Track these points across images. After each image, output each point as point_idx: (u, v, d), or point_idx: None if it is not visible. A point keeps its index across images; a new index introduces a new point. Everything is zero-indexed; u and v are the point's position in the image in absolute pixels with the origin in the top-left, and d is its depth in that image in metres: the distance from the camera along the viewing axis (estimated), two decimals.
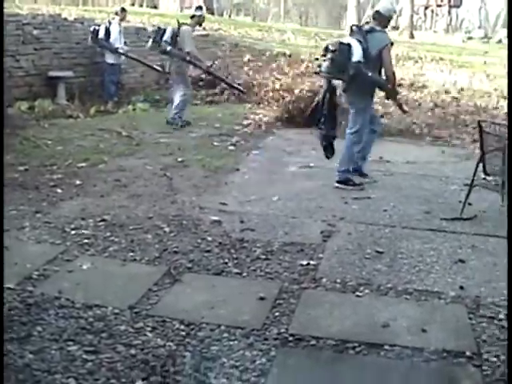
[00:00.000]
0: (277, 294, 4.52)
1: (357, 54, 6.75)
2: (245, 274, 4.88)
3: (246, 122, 10.80)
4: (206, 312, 4.22)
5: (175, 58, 10.30)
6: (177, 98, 10.36)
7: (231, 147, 9.08)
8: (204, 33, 17.01)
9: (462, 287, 4.81)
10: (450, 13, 39.91)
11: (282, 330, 4.03)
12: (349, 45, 6.76)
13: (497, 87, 13.76)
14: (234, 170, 7.87)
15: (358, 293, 4.61)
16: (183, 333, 3.98)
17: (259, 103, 12.38)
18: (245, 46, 17.58)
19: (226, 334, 3.97)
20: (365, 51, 6.81)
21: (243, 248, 5.37)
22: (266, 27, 24.23)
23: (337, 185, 7.17)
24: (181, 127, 10.27)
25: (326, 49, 6.88)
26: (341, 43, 6.85)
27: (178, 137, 9.68)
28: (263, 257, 5.20)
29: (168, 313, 4.20)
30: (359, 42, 6.80)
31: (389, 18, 7.26)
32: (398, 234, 5.85)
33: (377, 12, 7.19)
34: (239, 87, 12.83)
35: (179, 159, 8.21)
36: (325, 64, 6.87)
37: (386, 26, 7.26)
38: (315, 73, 7.50)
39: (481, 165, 6.42)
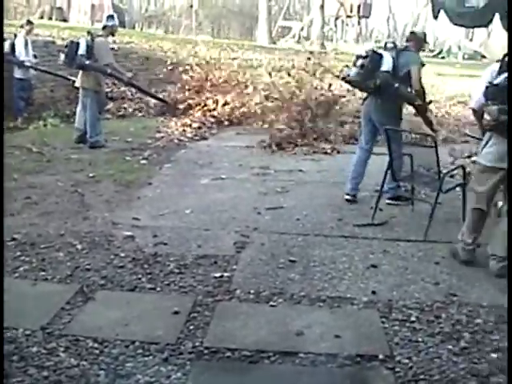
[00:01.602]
0: (191, 308, 4.49)
1: (387, 65, 6.74)
2: (159, 289, 4.83)
3: (158, 136, 10.73)
4: (120, 329, 4.15)
5: (93, 71, 9.92)
6: (90, 115, 10.02)
7: (143, 161, 8.99)
8: (115, 46, 16.82)
9: (374, 292, 4.89)
10: (359, 23, 40.76)
11: (197, 344, 4.01)
12: (381, 55, 6.76)
13: None
14: (147, 184, 7.79)
15: (271, 302, 4.62)
16: (97, 351, 3.91)
17: (173, 116, 12.33)
18: (156, 59, 17.47)
19: (140, 350, 3.92)
20: (395, 67, 6.79)
21: (157, 263, 5.32)
22: (177, 40, 24.16)
23: (389, 201, 7.10)
24: (105, 142, 10.03)
25: (358, 56, 6.86)
26: (373, 51, 6.84)
27: (90, 152, 9.54)
28: (177, 271, 5.15)
29: (81, 331, 4.11)
30: (392, 57, 6.79)
31: (424, 40, 7.28)
32: (311, 241, 5.90)
33: (412, 33, 7.27)
34: (163, 98, 12.71)
35: (91, 174, 8.08)
36: (354, 70, 6.83)
37: (420, 49, 7.20)
38: (342, 79, 7.26)
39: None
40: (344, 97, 11.69)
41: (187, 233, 6.02)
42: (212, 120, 11.88)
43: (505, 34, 7.77)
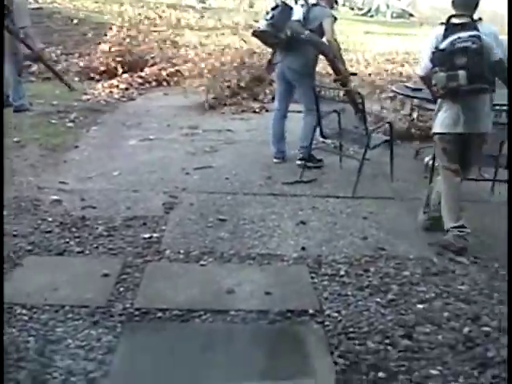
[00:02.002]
0: (120, 270, 4.44)
1: (297, 15, 6.57)
2: (87, 252, 4.75)
3: (84, 98, 10.49)
4: (49, 294, 4.08)
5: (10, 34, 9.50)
6: (11, 79, 9.70)
7: (70, 124, 8.78)
8: (37, 6, 16.35)
9: (303, 248, 4.94)
10: None
11: (128, 305, 3.97)
12: (291, 7, 6.59)
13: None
14: (73, 147, 7.63)
15: (201, 262, 4.61)
16: (25, 317, 3.83)
17: (100, 78, 12.07)
18: (81, 19, 17.04)
19: (70, 315, 3.87)
20: (306, 20, 6.61)
21: (85, 226, 5.23)
22: None
23: (299, 162, 6.92)
24: (30, 105, 9.72)
25: (268, 12, 6.68)
26: (284, 2, 6.62)
27: (14, 116, 9.27)
28: (106, 233, 5.08)
29: (9, 298, 3.98)
30: (307, 11, 6.62)
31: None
32: (240, 200, 5.90)
33: None
34: (68, 83, 12.18)
35: (15, 139, 7.85)
36: (263, 22, 6.63)
37: (332, 7, 7.01)
38: (253, 33, 6.99)
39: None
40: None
41: (115, 195, 5.94)
42: (139, 81, 11.65)
43: None
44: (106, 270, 4.38)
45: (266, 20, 6.56)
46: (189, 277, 4.36)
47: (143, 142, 7.86)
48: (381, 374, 3.37)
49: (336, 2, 7.20)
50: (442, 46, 4.76)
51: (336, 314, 3.96)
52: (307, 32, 6.57)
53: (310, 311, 3.97)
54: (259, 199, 5.96)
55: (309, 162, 6.82)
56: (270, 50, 7.41)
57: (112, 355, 3.44)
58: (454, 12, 4.94)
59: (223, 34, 14.68)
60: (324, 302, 4.10)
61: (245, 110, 9.74)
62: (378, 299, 4.19)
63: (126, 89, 11.19)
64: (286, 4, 6.64)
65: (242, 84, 10.37)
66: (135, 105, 10.22)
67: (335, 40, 6.72)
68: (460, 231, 5.03)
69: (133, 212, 5.53)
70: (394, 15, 32.99)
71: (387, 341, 3.70)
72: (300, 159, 6.93)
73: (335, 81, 7.00)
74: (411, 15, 33.14)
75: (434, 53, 4.83)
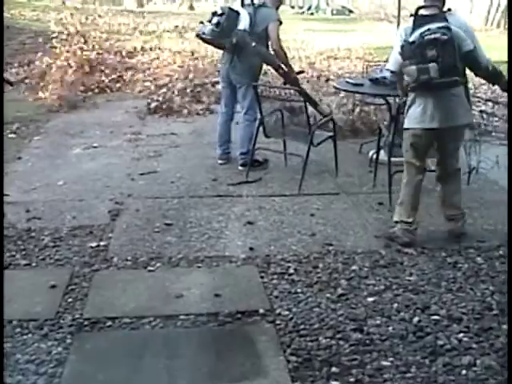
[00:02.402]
0: (68, 280, 4.36)
1: (244, 22, 6.52)
2: (34, 264, 4.67)
3: (26, 107, 10.32)
4: None
5: None
6: None
7: (11, 135, 8.64)
8: None
9: (251, 248, 4.93)
10: None
11: (77, 316, 3.90)
12: (237, 12, 6.55)
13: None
14: (16, 158, 7.50)
15: (149, 267, 4.56)
16: None
17: (40, 87, 11.89)
18: (19, 28, 16.78)
19: (18, 329, 3.78)
20: (252, 24, 6.56)
21: (31, 238, 5.14)
22: (41, 7, 23.30)
23: (241, 168, 6.85)
24: None
25: (214, 13, 6.59)
26: (230, 8, 6.60)
27: None
28: (52, 244, 5.00)
29: None
30: (249, 14, 6.55)
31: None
32: (186, 203, 5.87)
33: None
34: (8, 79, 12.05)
35: None
36: (209, 27, 6.53)
37: (278, 7, 6.98)
38: (197, 35, 6.89)
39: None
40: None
41: (61, 205, 5.85)
42: (81, 88, 11.52)
43: None
44: (54, 282, 4.30)
45: (212, 26, 6.50)
46: (137, 283, 4.31)
47: (87, 150, 7.76)
48: (334, 369, 3.38)
49: (281, 2, 7.19)
50: (411, 38, 4.62)
51: (287, 312, 3.96)
52: (254, 44, 6.54)
53: (261, 311, 3.96)
54: (205, 201, 5.93)
55: (252, 166, 6.78)
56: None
57: (62, 367, 3.38)
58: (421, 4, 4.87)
59: (164, 37, 14.61)
60: (274, 301, 4.10)
61: (188, 113, 9.70)
62: (328, 295, 4.21)
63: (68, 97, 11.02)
64: (233, 10, 6.60)
65: (185, 87, 10.34)
66: (78, 113, 10.09)
67: (281, 48, 6.73)
68: (408, 226, 5.06)
69: (78, 221, 5.45)
70: (334, 12, 33.35)
71: (339, 335, 3.71)
72: (241, 165, 6.91)
73: (285, 84, 6.99)
74: (351, 11, 33.56)
75: (402, 46, 4.70)
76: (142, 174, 6.70)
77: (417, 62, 4.55)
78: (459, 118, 4.91)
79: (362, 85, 7.07)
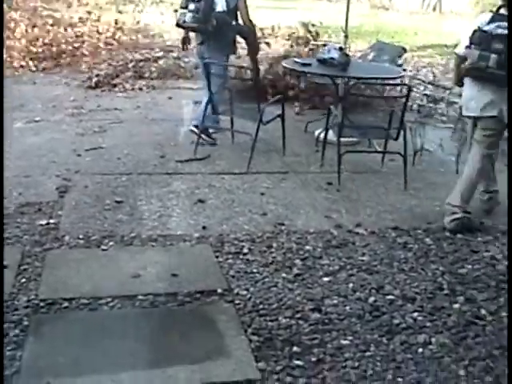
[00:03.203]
0: (20, 260, 4.21)
1: (220, 4, 6.71)
2: None
3: None
4: None
5: None
6: None
7: None
8: None
9: (204, 227, 4.90)
10: None
11: (32, 297, 3.78)
12: None
13: None
14: None
15: (102, 246, 4.47)
16: None
17: None
18: None
19: None
20: (228, 5, 6.75)
21: None
22: None
23: (193, 128, 6.91)
24: None
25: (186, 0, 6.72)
26: None
27: None
28: None
29: None
30: None
31: None
32: (136, 181, 5.78)
33: None
34: None
35: None
36: (189, 14, 6.68)
37: None
38: (177, 25, 7.02)
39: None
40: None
41: (5, 181, 5.66)
42: (22, 61, 11.13)
43: None
44: (5, 262, 4.17)
45: (192, 13, 6.66)
46: (92, 263, 4.22)
47: (29, 124, 7.54)
48: (295, 349, 3.40)
49: None
50: (486, 28, 4.78)
51: (245, 292, 3.95)
52: (234, 23, 6.84)
53: (219, 291, 3.95)
54: (154, 179, 5.86)
55: (202, 133, 6.80)
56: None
57: (22, 350, 3.29)
58: None
59: (104, 9, 14.30)
60: (231, 281, 4.09)
61: (132, 88, 9.55)
62: (284, 275, 4.22)
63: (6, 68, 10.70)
64: None
65: (126, 62, 10.18)
66: (16, 87, 9.79)
67: (250, 21, 6.94)
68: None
69: (26, 198, 5.28)
70: None
71: (298, 315, 3.73)
72: (194, 125, 6.95)
73: (248, 54, 7.37)
74: None
75: (475, 31, 4.84)
76: (87, 150, 6.55)
77: (481, 48, 4.75)
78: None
79: (309, 64, 7.08)
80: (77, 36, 11.48)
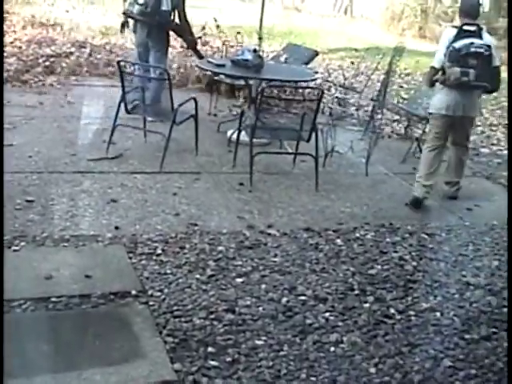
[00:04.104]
0: None
1: (166, 4, 7.44)
2: None
3: None
4: None
5: None
6: None
7: None
8: None
9: (117, 227, 4.87)
10: None
11: None
12: None
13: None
14: None
15: (14, 247, 4.38)
16: None
17: None
18: None
19: None
20: (172, 4, 7.52)
21: None
22: None
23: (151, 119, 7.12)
24: None
25: None
26: None
27: None
28: None
29: None
30: None
31: None
32: (47, 179, 5.68)
33: None
34: None
35: None
36: (137, 7, 7.48)
37: None
38: (123, 13, 7.82)
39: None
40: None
41: None
42: None
43: None
44: None
45: (141, 6, 7.45)
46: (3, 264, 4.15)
47: None
48: (210, 349, 3.44)
49: None
50: (457, 46, 5.66)
51: (159, 294, 3.96)
52: (175, 22, 7.71)
53: (133, 292, 3.94)
54: (66, 177, 5.78)
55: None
56: None
57: None
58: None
59: (11, 1, 13.91)
60: (145, 282, 4.09)
61: (42, 84, 9.36)
62: (198, 276, 4.25)
63: None
64: None
65: (36, 57, 9.96)
66: None
67: (186, 20, 7.81)
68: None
69: None
70: None
71: (212, 316, 3.78)
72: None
73: (188, 48, 8.57)
74: None
75: (451, 51, 5.69)
76: None
77: (460, 65, 5.65)
78: (475, 110, 6.18)
79: (223, 65, 7.13)
80: None
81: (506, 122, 9.48)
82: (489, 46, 5.71)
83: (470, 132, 6.45)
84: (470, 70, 5.65)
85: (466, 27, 5.75)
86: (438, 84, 5.99)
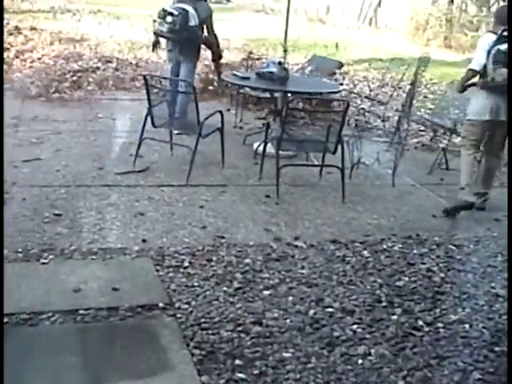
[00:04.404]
0: None
1: (193, 19, 7.64)
2: None
3: None
4: None
5: None
6: None
7: None
8: None
9: (144, 240, 4.90)
10: None
11: None
12: (187, 10, 7.59)
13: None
14: None
15: (42, 260, 4.42)
16: None
17: None
18: None
19: None
20: (199, 20, 7.71)
21: None
22: None
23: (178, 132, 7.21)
24: None
25: (165, 12, 7.56)
26: (181, 8, 7.59)
27: None
28: None
29: None
30: (194, 8, 7.63)
31: None
32: (75, 193, 5.74)
33: None
34: None
35: None
36: (166, 25, 7.58)
37: None
38: (155, 33, 8.04)
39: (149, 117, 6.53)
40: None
41: None
42: None
43: None
44: None
45: (170, 24, 7.56)
46: (31, 277, 4.18)
47: None
48: (238, 362, 3.43)
49: None
50: (503, 48, 5.76)
51: (186, 306, 3.97)
52: (205, 35, 7.99)
53: (161, 305, 3.95)
54: (93, 191, 5.83)
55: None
56: None
57: None
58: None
59: (40, 17, 14.11)
60: (173, 295, 4.10)
61: (70, 99, 9.45)
62: (225, 288, 4.26)
63: None
64: (183, 9, 7.59)
65: (64, 72, 10.07)
66: None
67: (214, 34, 8.06)
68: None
69: None
70: (213, 1, 33.32)
71: (239, 328, 3.77)
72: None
73: (213, 60, 8.56)
74: (228, 0, 33.73)
75: (496, 53, 5.79)
76: (25, 161, 6.47)
77: (505, 66, 5.73)
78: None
79: (248, 78, 7.16)
80: (11, 45, 11.30)
81: None
82: None
83: (505, 139, 6.41)
84: None
85: (505, 33, 5.83)
86: (474, 89, 6.08)
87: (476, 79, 6.04)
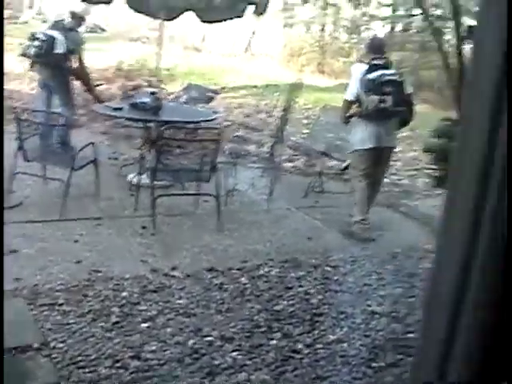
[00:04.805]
0: None
1: (61, 46, 7.72)
2: None
3: None
4: None
5: None
6: None
7: None
8: None
9: (17, 279, 4.75)
10: None
11: None
12: (54, 37, 7.71)
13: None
14: None
15: None
16: None
17: None
18: None
19: None
20: (67, 48, 7.78)
21: None
22: None
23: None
24: None
25: (33, 36, 7.75)
26: (49, 35, 7.73)
27: None
28: None
29: None
30: (65, 36, 7.75)
31: (82, 19, 8.22)
32: None
33: (71, 12, 8.01)
34: None
35: None
36: (34, 49, 7.71)
37: (80, 24, 8.19)
38: (23, 55, 8.02)
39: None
40: None
41: None
42: None
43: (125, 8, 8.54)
44: None
45: (36, 48, 7.69)
46: None
47: None
48: None
49: (83, 20, 8.29)
50: (371, 76, 6.02)
51: (62, 345, 3.88)
52: (68, 66, 7.99)
53: (35, 345, 3.84)
54: None
55: None
56: None
57: None
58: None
59: None
60: (48, 334, 4.00)
61: None
62: (102, 323, 4.19)
63: None
64: (50, 35, 7.74)
65: None
66: None
67: (82, 64, 8.15)
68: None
69: None
70: (88, 29, 32.86)
71: (118, 364, 3.73)
72: None
73: (86, 91, 8.67)
74: (103, 30, 33.32)
75: (366, 82, 6.03)
76: None
77: (376, 93, 5.98)
78: (391, 141, 6.45)
79: (121, 109, 7.12)
80: None
81: (404, 151, 9.74)
82: (399, 74, 6.23)
83: (388, 166, 6.72)
84: (386, 97, 5.99)
85: (375, 61, 6.16)
86: (354, 119, 6.29)
87: (354, 109, 6.26)
